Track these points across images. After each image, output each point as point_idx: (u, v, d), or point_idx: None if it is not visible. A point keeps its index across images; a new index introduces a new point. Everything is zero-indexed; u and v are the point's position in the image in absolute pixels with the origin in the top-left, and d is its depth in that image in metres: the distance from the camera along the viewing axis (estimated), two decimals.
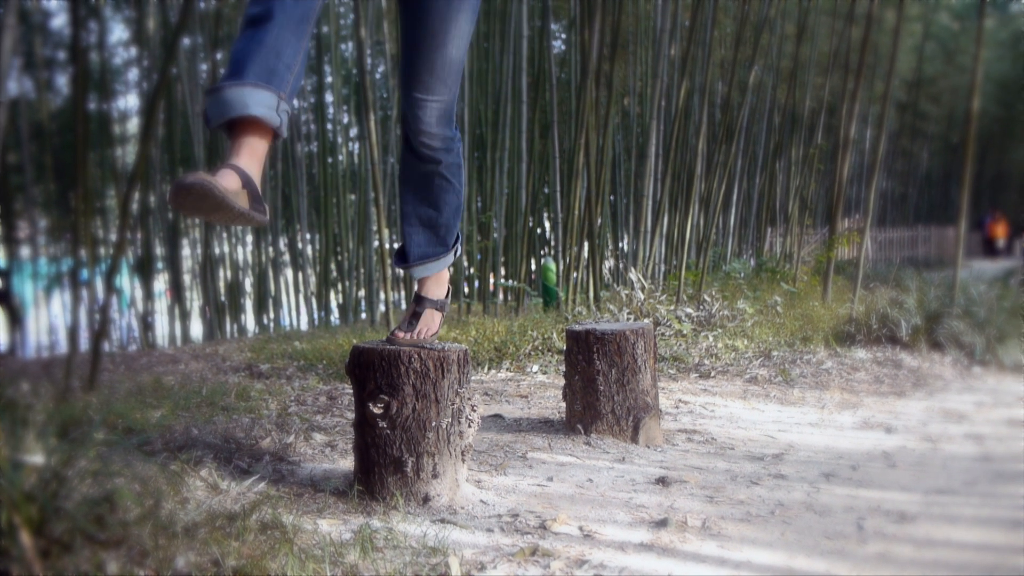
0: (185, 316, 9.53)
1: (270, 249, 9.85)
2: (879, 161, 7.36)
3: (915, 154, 20.41)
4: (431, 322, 2.53)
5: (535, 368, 4.71)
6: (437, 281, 2.56)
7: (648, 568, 1.97)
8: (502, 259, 8.29)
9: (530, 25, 7.89)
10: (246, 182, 1.81)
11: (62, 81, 10.17)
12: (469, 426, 2.40)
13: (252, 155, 1.85)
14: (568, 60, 9.02)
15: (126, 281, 9.52)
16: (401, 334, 2.47)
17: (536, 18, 8.46)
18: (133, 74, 10.17)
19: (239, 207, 1.75)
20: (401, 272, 9.30)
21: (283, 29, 1.86)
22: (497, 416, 3.57)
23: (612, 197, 9.53)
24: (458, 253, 2.55)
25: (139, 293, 9.51)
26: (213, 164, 8.14)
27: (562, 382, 3.40)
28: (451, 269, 2.64)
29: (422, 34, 2.21)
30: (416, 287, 2.58)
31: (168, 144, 9.30)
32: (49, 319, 9.92)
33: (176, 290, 9.43)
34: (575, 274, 6.57)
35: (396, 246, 2.54)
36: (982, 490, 2.70)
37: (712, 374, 4.64)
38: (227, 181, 1.77)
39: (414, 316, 2.51)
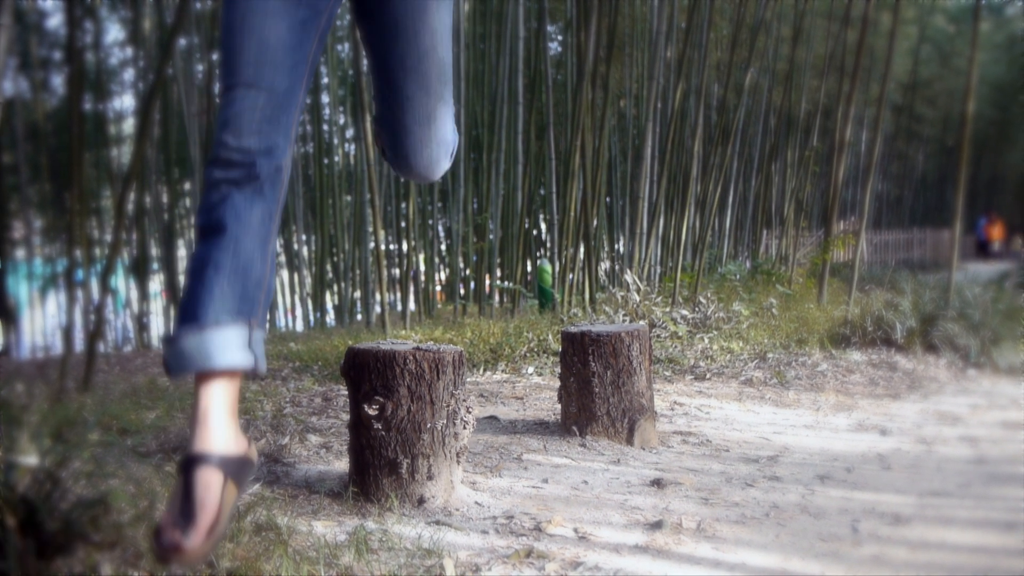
0: None
1: None
2: (874, 163, 7.38)
3: (910, 157, 20.47)
4: None
5: (530, 370, 4.71)
6: None
7: (643, 570, 1.97)
8: (498, 260, 8.29)
9: (526, 27, 7.90)
10: (227, 469, 1.49)
11: (58, 81, 10.16)
12: (464, 428, 2.40)
13: (222, 415, 1.51)
14: (564, 62, 9.03)
15: (121, 282, 9.51)
16: None
17: (532, 20, 8.48)
18: (129, 74, 10.18)
19: (229, 516, 1.49)
20: (396, 272, 9.30)
21: (242, 240, 1.53)
22: (492, 418, 3.57)
23: (608, 199, 9.55)
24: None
25: (134, 294, 9.50)
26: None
27: (557, 384, 3.40)
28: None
29: (403, 46, 1.71)
30: None
31: (164, 144, 9.30)
32: (44, 320, 9.90)
33: (172, 291, 9.41)
34: (571, 276, 6.58)
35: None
36: (976, 492, 2.71)
37: (707, 376, 4.65)
38: (208, 509, 1.42)
39: None
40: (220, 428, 1.50)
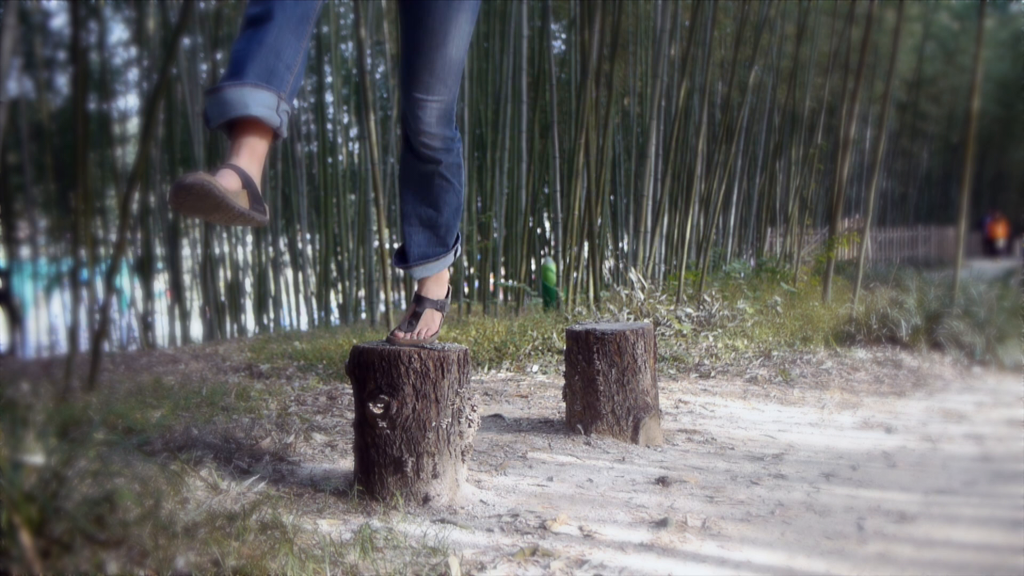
0: (185, 316, 9.53)
1: (270, 249, 9.85)
2: (879, 161, 7.36)
3: (915, 154, 20.42)
4: (431, 322, 2.53)
5: (535, 368, 4.71)
6: (437, 281, 2.56)
7: (648, 568, 1.97)
8: (502, 259, 8.29)
9: (530, 25, 7.90)
10: (246, 182, 1.81)
11: (62, 81, 10.17)
12: (469, 426, 2.40)
13: (252, 155, 1.84)
14: (568, 60, 9.03)
15: (126, 281, 9.52)
16: (401, 334, 2.47)
17: (536, 18, 8.47)
18: (133, 74, 10.18)
19: (239, 207, 1.75)
20: (401, 272, 9.30)
21: (283, 29, 1.85)
22: (497, 416, 3.57)
23: (612, 197, 9.54)
24: (458, 253, 2.55)
25: (139, 293, 9.51)
26: (213, 165, 8.14)
27: (562, 382, 3.40)
28: (451, 269, 2.64)
29: (422, 34, 2.20)
30: (416, 287, 2.58)
31: (168, 144, 9.30)
32: (49, 319, 9.92)
33: (176, 290, 9.43)
34: (575, 274, 6.57)
35: (396, 246, 2.54)
36: (982, 490, 2.70)
37: (712, 374, 4.64)
38: (227, 181, 1.76)
39: (414, 316, 2.51)
40: (248, 159, 1.83)
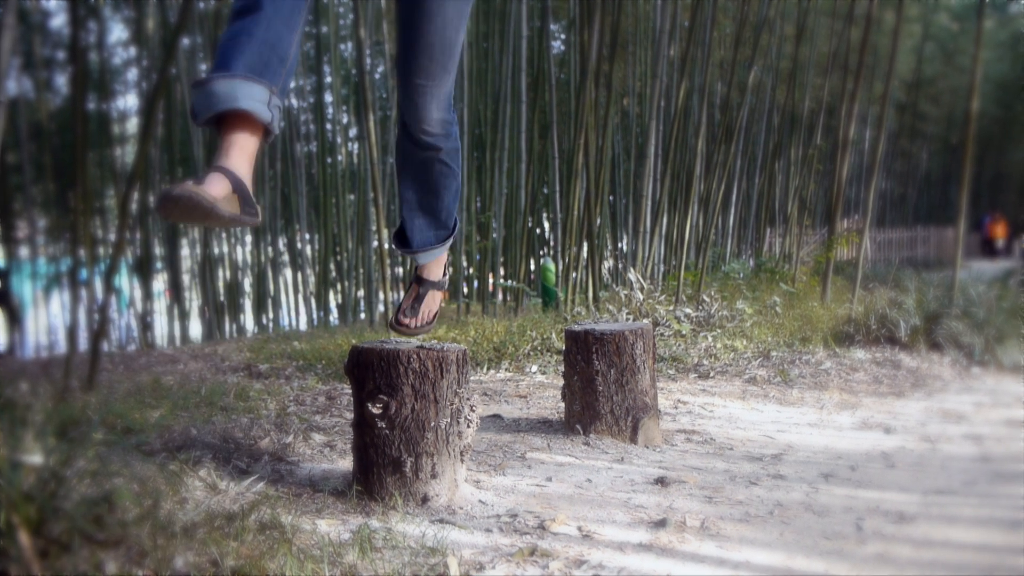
0: (184, 316, 9.52)
1: (269, 249, 9.85)
2: (878, 162, 7.36)
3: (914, 155, 20.43)
4: (432, 303, 2.54)
5: (534, 368, 4.71)
6: (438, 263, 2.56)
7: (647, 568, 1.97)
8: (501, 259, 8.29)
9: (529, 25, 7.90)
10: (236, 185, 1.74)
11: (61, 81, 10.18)
12: (468, 426, 2.40)
13: (241, 154, 1.77)
14: (567, 60, 9.02)
15: (125, 281, 9.52)
16: (407, 320, 2.47)
17: (535, 18, 8.47)
18: (132, 74, 10.18)
19: (229, 213, 1.70)
20: (400, 272, 9.30)
21: (274, 20, 1.78)
22: (496, 416, 3.57)
23: (611, 197, 9.54)
24: (457, 229, 2.53)
25: (138, 293, 9.51)
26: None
27: (561, 382, 3.40)
28: (450, 256, 2.65)
29: (419, 17, 2.13)
30: (416, 269, 2.57)
31: (167, 144, 9.30)
32: (48, 319, 9.91)
33: (175, 290, 9.42)
34: (574, 274, 6.57)
35: (395, 228, 2.51)
36: (981, 490, 2.70)
37: (711, 374, 4.64)
38: (215, 188, 1.70)
39: (417, 299, 2.51)
40: (238, 159, 1.75)
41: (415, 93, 2.19)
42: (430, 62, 2.15)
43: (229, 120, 1.75)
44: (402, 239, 2.48)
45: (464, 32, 2.20)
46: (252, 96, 1.73)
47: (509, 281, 7.88)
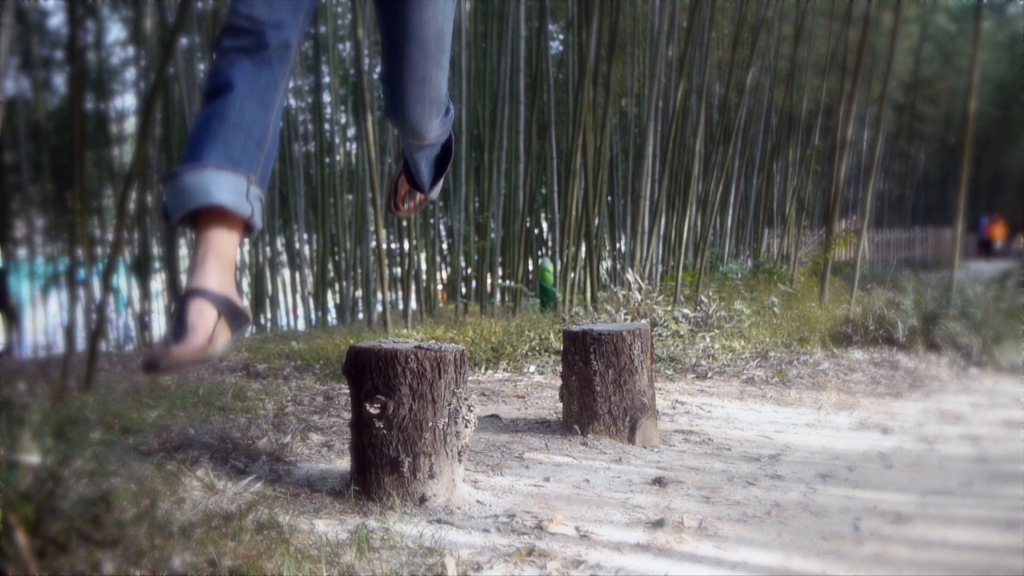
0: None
1: (267, 249, 9.84)
2: (876, 162, 7.37)
3: (912, 155, 20.46)
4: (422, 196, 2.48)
5: (532, 368, 4.71)
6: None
7: (644, 568, 1.97)
8: (499, 259, 8.29)
9: (528, 26, 7.90)
10: (221, 307, 1.55)
11: (59, 80, 10.17)
12: (466, 426, 2.40)
13: (219, 264, 1.56)
14: (566, 61, 9.03)
15: (123, 281, 9.51)
16: (404, 206, 2.42)
17: (534, 19, 8.47)
18: (130, 73, 10.17)
19: (221, 349, 1.54)
20: (399, 272, 9.30)
21: (248, 100, 1.60)
22: (494, 416, 3.57)
23: (609, 198, 9.55)
24: (452, 146, 2.36)
25: (136, 293, 9.50)
26: None
27: (559, 382, 3.40)
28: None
29: (407, 11, 1.84)
30: (413, 182, 2.44)
31: (165, 144, 9.29)
32: (46, 319, 9.91)
33: (173, 290, 9.42)
34: (572, 274, 6.58)
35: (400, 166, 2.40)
36: (978, 491, 2.71)
37: (709, 375, 4.64)
38: (200, 332, 1.49)
39: (409, 195, 2.44)
40: (217, 272, 1.55)
41: (410, 111, 1.96)
42: (424, 60, 1.91)
43: (204, 218, 1.56)
44: (412, 182, 2.37)
45: (452, 20, 1.97)
46: (227, 188, 1.54)
47: (507, 281, 7.89)
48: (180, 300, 1.51)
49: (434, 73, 1.91)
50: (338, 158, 9.68)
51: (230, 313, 1.56)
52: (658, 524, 2.26)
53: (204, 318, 1.51)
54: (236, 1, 1.62)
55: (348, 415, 3.16)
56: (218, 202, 1.52)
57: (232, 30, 1.61)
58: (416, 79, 1.90)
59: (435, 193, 2.50)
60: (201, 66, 9.16)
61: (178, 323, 1.49)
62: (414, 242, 8.85)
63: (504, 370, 4.73)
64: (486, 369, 4.73)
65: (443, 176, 2.44)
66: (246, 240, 1.67)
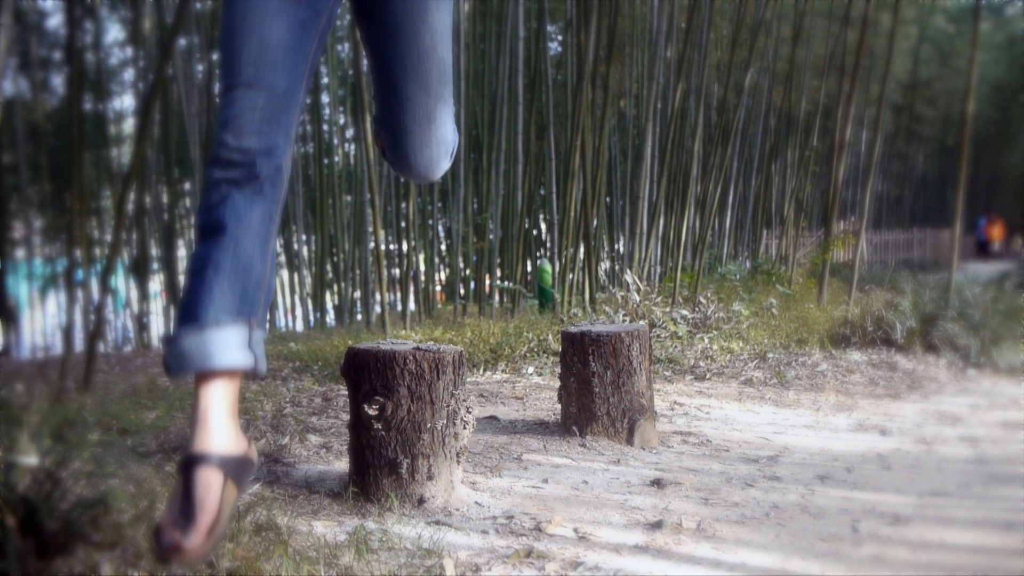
0: None
1: None
2: (874, 163, 7.38)
3: (910, 156, 20.48)
4: None
5: (530, 370, 4.71)
6: None
7: (643, 570, 1.97)
8: (498, 260, 8.29)
9: (526, 27, 7.90)
10: (227, 468, 1.48)
11: (58, 81, 10.17)
12: (464, 428, 2.40)
13: (222, 415, 1.51)
14: (564, 62, 9.04)
15: (121, 282, 9.51)
16: None
17: (532, 20, 8.48)
18: (129, 74, 10.18)
19: (231, 510, 1.49)
20: (397, 273, 9.29)
21: (242, 240, 1.53)
22: (492, 418, 3.57)
23: (608, 199, 9.55)
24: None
25: (134, 294, 9.50)
26: None
27: (557, 384, 3.40)
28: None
29: (402, 44, 1.69)
30: None
31: (164, 144, 9.30)
32: (44, 320, 9.90)
33: (172, 291, 9.41)
34: (571, 276, 6.58)
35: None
36: (976, 492, 2.71)
37: (707, 376, 4.65)
38: (208, 509, 1.42)
39: None
40: (220, 428, 1.49)
41: (416, 153, 1.79)
42: (427, 97, 1.74)
43: (206, 375, 1.52)
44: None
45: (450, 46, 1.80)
46: (228, 346, 1.50)
47: (506, 282, 7.89)
48: (183, 469, 1.45)
49: (439, 111, 1.75)
50: (336, 159, 9.68)
51: (236, 471, 1.51)
52: (656, 525, 2.26)
53: (211, 491, 1.45)
54: (222, 131, 1.52)
55: (346, 416, 3.16)
56: (220, 366, 1.49)
57: (221, 162, 1.52)
58: (420, 121, 1.74)
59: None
60: (200, 67, 9.17)
61: (184, 501, 1.42)
62: (413, 243, 8.86)
63: (502, 371, 4.73)
64: (484, 370, 4.73)
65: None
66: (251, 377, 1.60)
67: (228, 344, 1.49)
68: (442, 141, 1.78)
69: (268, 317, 9.68)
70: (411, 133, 1.75)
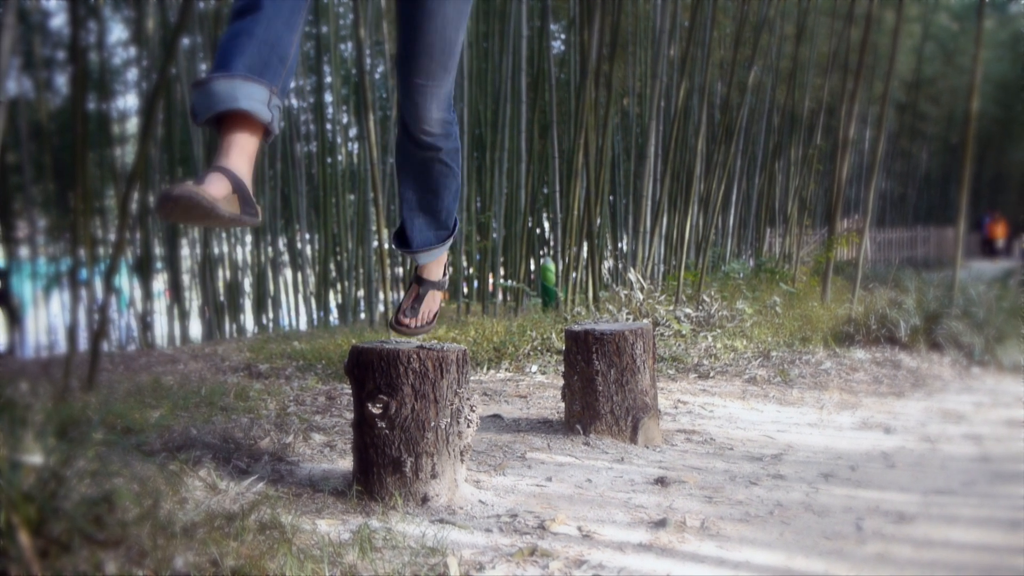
0: (184, 316, 9.53)
1: (269, 249, 9.85)
2: (878, 162, 7.36)
3: (914, 155, 20.43)
4: (433, 303, 2.55)
5: (534, 368, 4.71)
6: (438, 263, 2.56)
7: (647, 568, 1.97)
8: (501, 259, 8.29)
9: (529, 25, 7.90)
10: (236, 185, 1.73)
11: (61, 81, 10.18)
12: (468, 426, 2.40)
13: (241, 154, 1.76)
14: (567, 60, 9.02)
15: (125, 281, 9.52)
16: (406, 320, 2.49)
17: (535, 18, 8.47)
18: (132, 74, 10.18)
19: (229, 213, 1.69)
20: (400, 272, 9.30)
21: (274, 20, 1.77)
22: (496, 416, 3.57)
23: (611, 197, 9.54)
24: (457, 229, 2.52)
25: (138, 293, 9.51)
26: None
27: (561, 382, 3.40)
28: (450, 255, 2.65)
29: (419, 16, 2.11)
30: (416, 269, 2.57)
31: (167, 144, 9.30)
32: (48, 319, 9.92)
33: (175, 290, 9.43)
34: (574, 274, 6.57)
35: (395, 228, 2.50)
36: (981, 490, 2.70)
37: (711, 374, 4.64)
38: (215, 188, 1.68)
39: (417, 299, 2.52)
40: (239, 160, 1.74)
41: (415, 93, 2.17)
42: (430, 61, 2.13)
43: (229, 120, 1.74)
44: (402, 239, 2.47)
45: (464, 32, 2.18)
46: (252, 96, 1.72)
47: (509, 281, 7.88)
48: (203, 171, 1.70)
49: (438, 73, 2.15)
50: (340, 158, 9.68)
51: (243, 195, 1.74)
52: (660, 524, 2.26)
53: (221, 183, 1.70)
54: None
55: (350, 415, 3.16)
56: (243, 107, 1.71)
57: None
58: (422, 75, 2.14)
59: (425, 257, 2.50)
60: (203, 66, 9.16)
61: (198, 177, 1.68)
62: None
63: (506, 370, 4.73)
64: (488, 369, 4.73)
65: (440, 245, 2.48)
66: (264, 144, 1.85)
67: (252, 95, 1.72)
68: (436, 96, 2.17)
69: (272, 317, 9.69)
70: (415, 85, 2.15)
